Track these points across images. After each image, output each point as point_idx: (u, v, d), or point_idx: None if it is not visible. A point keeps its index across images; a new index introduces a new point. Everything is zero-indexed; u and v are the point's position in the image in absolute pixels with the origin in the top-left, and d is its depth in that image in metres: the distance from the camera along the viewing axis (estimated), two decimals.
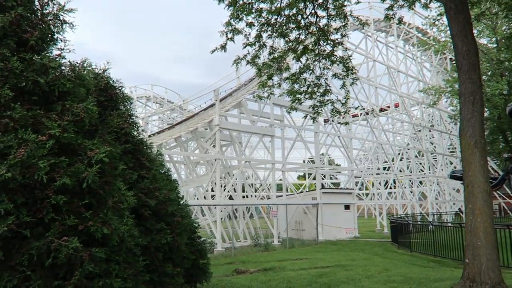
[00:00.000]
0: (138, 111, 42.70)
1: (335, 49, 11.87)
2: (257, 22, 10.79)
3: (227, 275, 11.82)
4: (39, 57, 3.40)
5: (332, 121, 27.92)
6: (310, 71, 11.96)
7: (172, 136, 23.61)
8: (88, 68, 4.20)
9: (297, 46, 11.61)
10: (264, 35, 11.12)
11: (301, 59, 11.80)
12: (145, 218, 4.97)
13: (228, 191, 25.18)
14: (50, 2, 3.64)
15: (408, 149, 35.93)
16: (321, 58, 11.84)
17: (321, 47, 11.78)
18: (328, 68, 12.27)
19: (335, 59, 11.80)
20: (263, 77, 11.87)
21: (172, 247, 5.21)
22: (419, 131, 36.89)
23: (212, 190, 26.28)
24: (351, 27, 25.39)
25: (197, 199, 24.01)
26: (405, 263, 13.22)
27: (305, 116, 13.40)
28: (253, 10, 10.52)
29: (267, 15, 10.71)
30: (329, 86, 12.29)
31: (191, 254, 6.90)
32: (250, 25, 10.71)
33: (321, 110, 12.78)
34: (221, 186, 23.38)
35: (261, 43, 11.18)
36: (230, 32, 10.57)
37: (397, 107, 35.23)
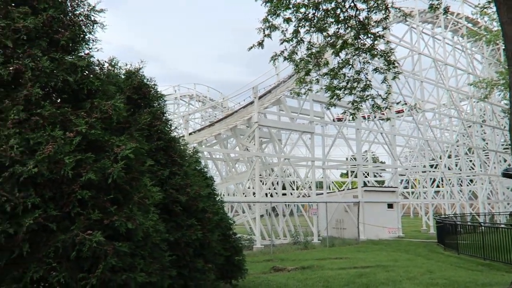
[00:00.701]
0: (181, 109, 43.74)
1: (376, 42, 11.50)
2: (295, 17, 10.66)
3: (264, 272, 11.83)
4: (70, 57, 3.53)
5: (374, 117, 27.11)
6: (350, 66, 11.66)
7: (212, 134, 23.95)
8: (116, 66, 4.32)
9: (336, 40, 11.36)
10: (302, 30, 10.96)
11: (340, 53, 11.54)
12: (176, 213, 5.05)
13: (269, 189, 25.17)
14: (80, 3, 3.77)
15: (457, 146, 34.19)
16: (361, 52, 11.52)
17: (361, 41, 11.45)
18: (369, 63, 11.90)
19: (376, 53, 11.45)
20: (301, 73, 11.72)
21: (203, 243, 5.26)
22: (469, 126, 34.96)
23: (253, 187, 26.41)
24: (394, 20, 24.48)
25: (236, 196, 24.21)
26: (451, 265, 12.59)
27: (344, 112, 13.08)
28: (290, 6, 10.39)
29: (305, 10, 10.54)
30: (370, 81, 11.92)
31: (225, 250, 6.95)
32: (287, 20, 10.59)
33: (361, 105, 12.41)
34: (261, 183, 23.41)
35: (299, 38, 11.03)
36: (267, 29, 10.50)
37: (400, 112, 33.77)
